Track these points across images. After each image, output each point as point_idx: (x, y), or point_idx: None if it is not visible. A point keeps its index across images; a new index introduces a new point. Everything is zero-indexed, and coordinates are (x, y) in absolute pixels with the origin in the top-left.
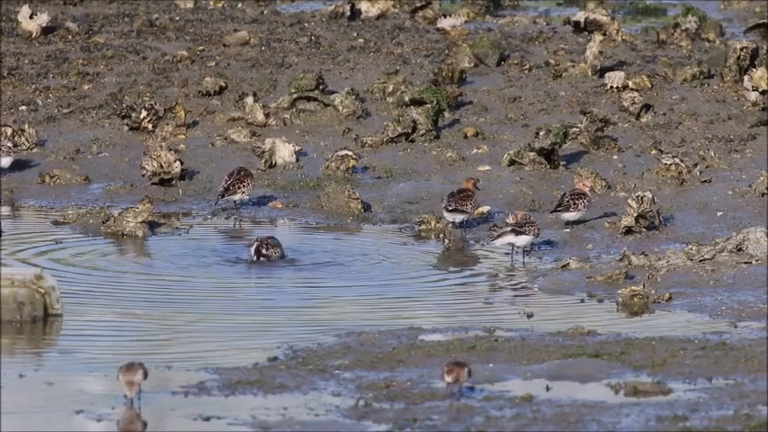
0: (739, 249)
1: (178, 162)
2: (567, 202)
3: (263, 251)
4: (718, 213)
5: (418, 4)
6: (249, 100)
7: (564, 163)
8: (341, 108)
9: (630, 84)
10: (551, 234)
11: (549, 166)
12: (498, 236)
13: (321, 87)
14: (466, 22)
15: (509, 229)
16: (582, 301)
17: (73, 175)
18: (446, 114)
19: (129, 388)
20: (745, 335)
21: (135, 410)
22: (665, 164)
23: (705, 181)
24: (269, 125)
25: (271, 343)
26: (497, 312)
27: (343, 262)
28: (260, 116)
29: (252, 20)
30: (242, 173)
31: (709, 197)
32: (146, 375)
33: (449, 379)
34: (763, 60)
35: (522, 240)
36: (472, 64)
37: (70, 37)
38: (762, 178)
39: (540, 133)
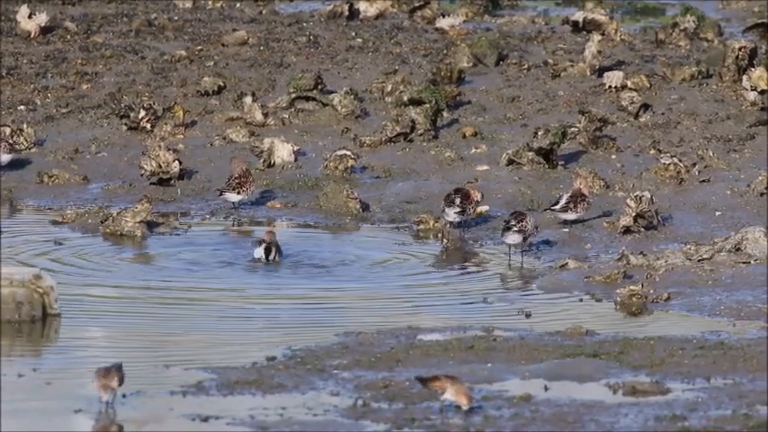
0: (738, 249)
1: (177, 162)
2: (566, 203)
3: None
4: (717, 213)
5: (417, 4)
6: (248, 100)
7: (562, 163)
8: (339, 108)
9: (629, 83)
10: (550, 234)
11: (547, 166)
12: (504, 232)
13: (320, 87)
14: (464, 21)
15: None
16: (580, 300)
17: (71, 174)
18: (445, 114)
19: (104, 391)
20: (743, 335)
21: (111, 415)
22: (664, 163)
23: (704, 181)
24: (267, 125)
25: (269, 342)
26: (496, 312)
27: (342, 261)
28: (258, 116)
29: (250, 20)
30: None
31: (708, 197)
32: (121, 381)
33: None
34: (761, 60)
35: (523, 237)
36: (471, 64)
37: (69, 37)
38: (760, 178)
39: (539, 133)
